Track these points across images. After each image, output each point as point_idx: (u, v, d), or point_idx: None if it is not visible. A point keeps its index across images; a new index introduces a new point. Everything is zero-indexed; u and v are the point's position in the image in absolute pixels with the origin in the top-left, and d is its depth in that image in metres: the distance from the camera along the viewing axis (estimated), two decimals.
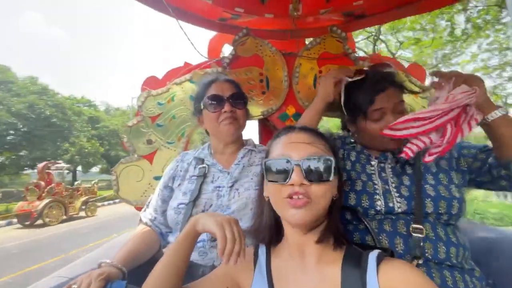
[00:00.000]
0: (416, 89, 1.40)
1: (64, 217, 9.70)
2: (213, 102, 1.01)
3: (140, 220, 1.06)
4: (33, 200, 9.15)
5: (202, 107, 1.05)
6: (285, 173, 0.61)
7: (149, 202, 1.09)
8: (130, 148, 1.39)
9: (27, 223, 9.03)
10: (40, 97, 16.95)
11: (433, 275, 0.74)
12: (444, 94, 0.82)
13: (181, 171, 1.05)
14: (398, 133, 0.83)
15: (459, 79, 0.81)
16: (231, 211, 0.91)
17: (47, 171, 10.22)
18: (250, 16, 1.49)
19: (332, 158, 0.62)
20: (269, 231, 0.70)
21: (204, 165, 1.02)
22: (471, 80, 0.81)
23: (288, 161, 0.62)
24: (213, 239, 0.89)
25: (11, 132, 15.60)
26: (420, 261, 0.76)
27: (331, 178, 0.61)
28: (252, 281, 0.66)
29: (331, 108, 1.42)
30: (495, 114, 0.81)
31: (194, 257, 0.88)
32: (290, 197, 0.60)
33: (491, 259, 0.94)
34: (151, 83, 1.46)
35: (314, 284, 0.61)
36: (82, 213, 10.62)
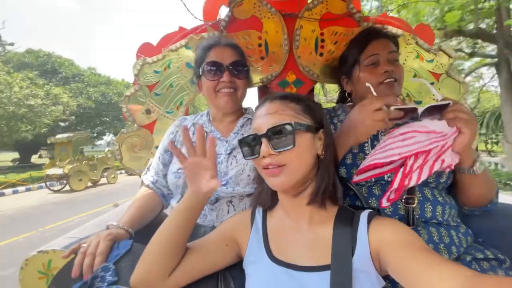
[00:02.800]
0: (423, 52, 1.34)
1: (89, 184, 10.48)
2: (211, 69, 0.97)
3: (142, 182, 1.10)
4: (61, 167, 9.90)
5: (201, 72, 1.01)
6: (255, 148, 0.65)
7: (149, 165, 1.12)
8: (129, 118, 1.39)
9: (55, 188, 10.01)
10: (107, 86, 23.09)
11: (420, 232, 0.78)
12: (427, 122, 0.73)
13: (180, 136, 1.06)
14: (366, 175, 0.77)
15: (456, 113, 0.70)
16: (229, 177, 0.94)
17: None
18: None
19: (291, 122, 0.62)
20: (270, 196, 0.74)
21: None
22: (466, 121, 0.69)
23: (255, 136, 0.65)
24: (213, 202, 0.93)
25: (91, 113, 21.29)
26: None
27: (293, 144, 0.61)
28: (248, 239, 0.71)
29: (332, 75, 1.38)
30: (477, 170, 0.76)
31: (199, 220, 0.93)
32: (266, 168, 0.64)
33: (481, 220, 0.97)
34: (146, 50, 1.41)
35: (306, 241, 0.65)
36: (104, 180, 11.45)
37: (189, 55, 1.35)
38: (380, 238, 0.58)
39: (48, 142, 11.27)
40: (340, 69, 1.09)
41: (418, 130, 0.72)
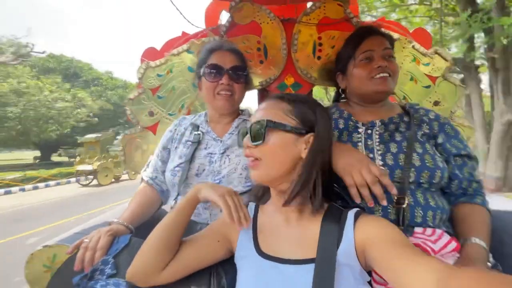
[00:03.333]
0: (420, 55, 1.35)
1: (112, 180, 11.38)
2: (212, 71, 1.00)
3: (142, 179, 1.15)
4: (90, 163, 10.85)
5: (201, 74, 1.05)
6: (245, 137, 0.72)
7: (149, 162, 1.16)
8: (133, 120, 1.44)
9: (84, 183, 11.01)
10: (124, 90, 23.82)
11: (407, 236, 0.78)
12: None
13: (178, 134, 1.10)
14: None
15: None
16: (222, 175, 0.97)
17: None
18: None
19: (263, 120, 0.67)
20: (262, 192, 0.79)
21: (199, 132, 1.06)
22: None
23: (245, 127, 0.72)
24: (206, 201, 0.96)
25: (109, 115, 22.08)
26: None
27: (262, 140, 0.66)
28: (239, 235, 0.74)
29: (330, 78, 1.41)
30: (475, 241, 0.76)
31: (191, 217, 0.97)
32: (248, 159, 0.71)
33: None
34: (150, 54, 1.46)
35: (295, 236, 0.67)
36: (125, 176, 12.33)
37: (191, 59, 1.40)
38: (365, 234, 0.60)
39: (78, 141, 12.61)
40: (336, 67, 1.10)
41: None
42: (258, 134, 0.67)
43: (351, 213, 0.65)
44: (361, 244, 0.60)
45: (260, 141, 0.67)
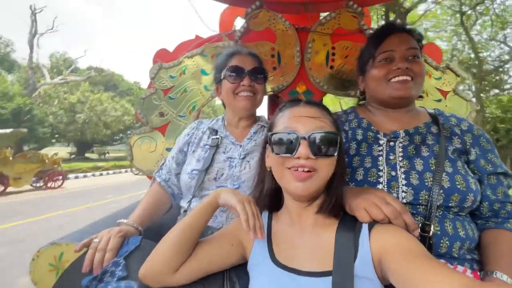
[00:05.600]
0: (432, 69, 1.37)
1: None
2: (233, 73, 1.01)
3: (154, 179, 1.13)
4: None
5: (222, 77, 1.05)
6: (291, 146, 0.63)
7: (163, 164, 1.15)
8: (143, 119, 1.43)
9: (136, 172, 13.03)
10: None
11: None
12: None
13: (195, 138, 1.09)
14: None
15: None
16: (242, 181, 0.96)
17: None
18: None
19: (338, 133, 0.65)
20: (269, 199, 0.74)
21: (217, 136, 1.05)
22: None
23: (295, 134, 0.63)
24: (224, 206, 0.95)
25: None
26: None
27: (336, 153, 0.63)
28: (253, 242, 0.72)
29: (342, 87, 1.42)
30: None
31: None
32: (295, 169, 0.63)
33: None
34: (162, 55, 1.47)
35: (310, 247, 0.66)
36: None
37: (205, 62, 1.40)
38: (381, 244, 0.58)
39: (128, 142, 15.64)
40: (357, 67, 1.00)
41: None
42: (329, 146, 0.62)
43: (365, 223, 0.64)
44: (378, 255, 0.58)
45: (335, 155, 0.63)
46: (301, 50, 1.41)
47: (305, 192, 0.63)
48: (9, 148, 9.55)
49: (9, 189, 8.17)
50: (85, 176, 12.99)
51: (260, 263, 0.69)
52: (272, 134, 0.67)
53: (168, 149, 1.41)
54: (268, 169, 0.71)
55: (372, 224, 0.63)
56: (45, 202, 7.06)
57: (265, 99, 1.64)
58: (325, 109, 0.70)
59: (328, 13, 1.42)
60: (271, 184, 0.72)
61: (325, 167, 0.63)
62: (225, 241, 0.74)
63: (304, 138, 0.62)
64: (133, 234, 0.86)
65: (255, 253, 0.71)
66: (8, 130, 9.32)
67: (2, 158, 8.14)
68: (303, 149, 0.62)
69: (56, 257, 0.82)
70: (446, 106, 1.35)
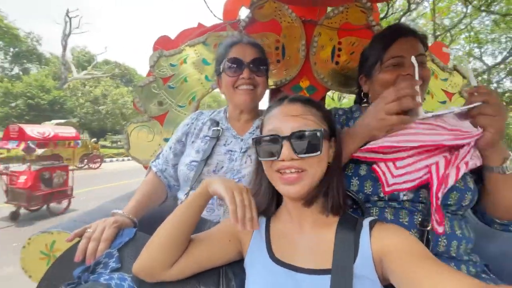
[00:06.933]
0: (438, 70, 1.35)
1: None
2: (232, 65, 0.97)
3: (150, 168, 1.10)
4: None
5: (221, 69, 1.00)
6: (275, 149, 0.62)
7: (160, 153, 1.12)
8: (141, 108, 1.40)
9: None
10: None
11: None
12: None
13: (195, 129, 1.06)
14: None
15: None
16: (242, 175, 0.94)
17: None
18: None
19: (320, 130, 0.62)
20: (267, 201, 0.71)
21: (218, 128, 1.02)
22: (490, 119, 0.65)
23: (276, 137, 0.62)
24: (221, 199, 0.93)
25: None
26: None
27: (320, 151, 0.61)
28: (251, 239, 0.71)
29: (346, 84, 1.39)
30: (509, 168, 0.69)
31: (203, 213, 0.93)
32: (283, 172, 0.62)
33: (484, 242, 0.97)
34: (163, 43, 1.42)
35: (309, 244, 0.64)
36: None
37: (207, 51, 1.36)
38: (382, 244, 0.57)
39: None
40: (360, 67, 1.00)
41: (443, 125, 0.70)
42: (311, 144, 0.61)
43: (366, 221, 0.63)
44: (379, 255, 0.57)
45: (318, 153, 0.61)
46: (306, 43, 1.37)
47: (297, 194, 0.62)
48: None
49: None
50: (111, 161, 14.51)
51: (258, 260, 0.68)
52: (255, 139, 0.66)
53: (166, 140, 1.38)
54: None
55: (373, 223, 0.62)
56: (91, 178, 8.94)
57: (266, 92, 1.61)
58: (311, 104, 0.67)
59: (336, 6, 1.38)
60: (268, 185, 0.71)
61: (314, 165, 0.62)
62: (222, 236, 0.72)
63: (286, 139, 0.61)
64: (127, 225, 0.84)
65: (253, 250, 0.70)
66: (63, 121, 12.30)
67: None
68: (286, 150, 0.60)
69: (47, 245, 0.80)
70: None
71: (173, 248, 0.66)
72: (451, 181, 0.68)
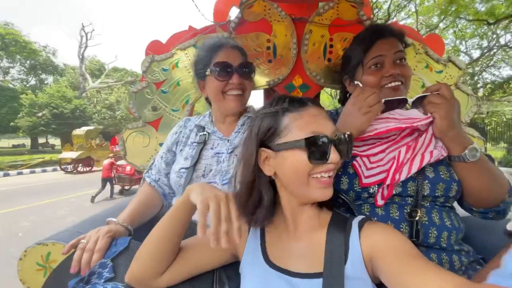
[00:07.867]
0: (433, 62, 1.32)
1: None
2: (220, 70, 0.95)
3: (144, 180, 1.11)
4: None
5: (207, 73, 0.98)
6: (321, 151, 0.58)
7: (152, 164, 1.12)
8: (135, 114, 1.40)
9: None
10: None
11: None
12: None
13: (183, 137, 1.06)
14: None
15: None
16: (230, 175, 0.94)
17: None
18: None
19: (350, 135, 0.64)
20: (266, 212, 0.66)
21: (204, 132, 1.03)
22: (435, 105, 0.74)
23: (325, 138, 0.58)
24: None
25: None
26: None
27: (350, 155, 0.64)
28: (246, 242, 0.70)
29: (339, 80, 1.37)
30: (468, 156, 0.73)
31: (196, 217, 0.93)
32: (317, 176, 0.59)
33: (482, 235, 0.96)
34: (155, 47, 1.42)
35: (302, 248, 0.64)
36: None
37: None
38: (372, 243, 0.57)
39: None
40: (343, 69, 1.03)
41: (394, 117, 0.80)
42: (348, 148, 0.62)
43: (355, 222, 0.63)
44: (369, 255, 0.57)
45: (350, 156, 0.65)
46: (297, 41, 1.35)
47: (328, 197, 0.61)
48: (93, 139, 13.47)
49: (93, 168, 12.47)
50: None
51: (253, 263, 0.68)
52: (307, 140, 0.58)
53: (161, 144, 1.38)
54: (269, 178, 0.65)
55: (362, 223, 0.62)
56: None
57: (261, 93, 1.60)
58: (323, 109, 0.68)
59: (326, 2, 1.36)
60: (269, 194, 0.66)
61: (337, 168, 0.63)
62: None
63: (333, 142, 0.59)
64: (122, 233, 0.85)
65: (248, 253, 0.70)
66: (92, 127, 14.19)
67: (90, 147, 12.66)
68: (334, 153, 0.59)
69: (43, 257, 0.81)
70: None
71: (162, 257, 0.65)
72: (414, 168, 0.74)
